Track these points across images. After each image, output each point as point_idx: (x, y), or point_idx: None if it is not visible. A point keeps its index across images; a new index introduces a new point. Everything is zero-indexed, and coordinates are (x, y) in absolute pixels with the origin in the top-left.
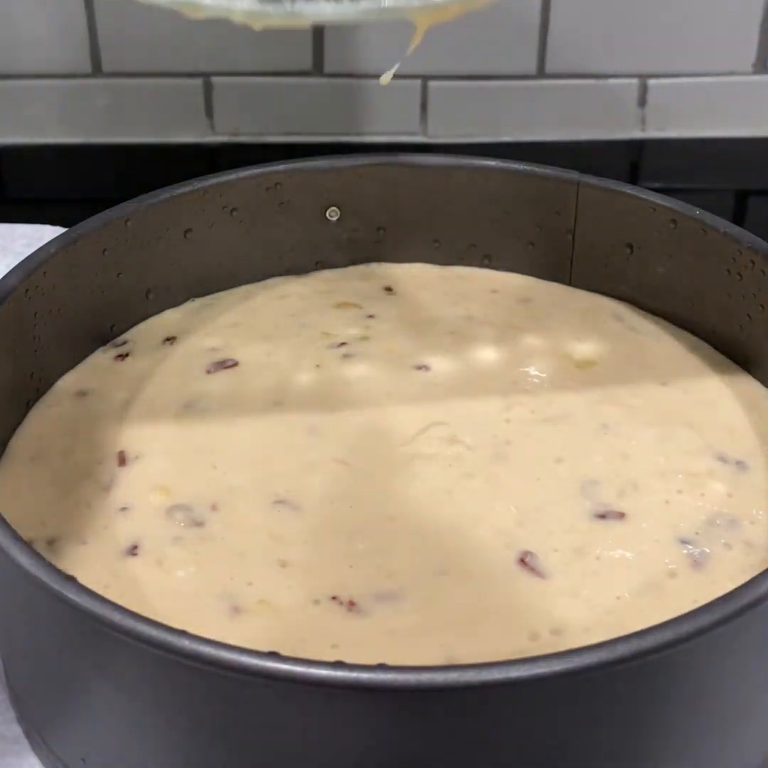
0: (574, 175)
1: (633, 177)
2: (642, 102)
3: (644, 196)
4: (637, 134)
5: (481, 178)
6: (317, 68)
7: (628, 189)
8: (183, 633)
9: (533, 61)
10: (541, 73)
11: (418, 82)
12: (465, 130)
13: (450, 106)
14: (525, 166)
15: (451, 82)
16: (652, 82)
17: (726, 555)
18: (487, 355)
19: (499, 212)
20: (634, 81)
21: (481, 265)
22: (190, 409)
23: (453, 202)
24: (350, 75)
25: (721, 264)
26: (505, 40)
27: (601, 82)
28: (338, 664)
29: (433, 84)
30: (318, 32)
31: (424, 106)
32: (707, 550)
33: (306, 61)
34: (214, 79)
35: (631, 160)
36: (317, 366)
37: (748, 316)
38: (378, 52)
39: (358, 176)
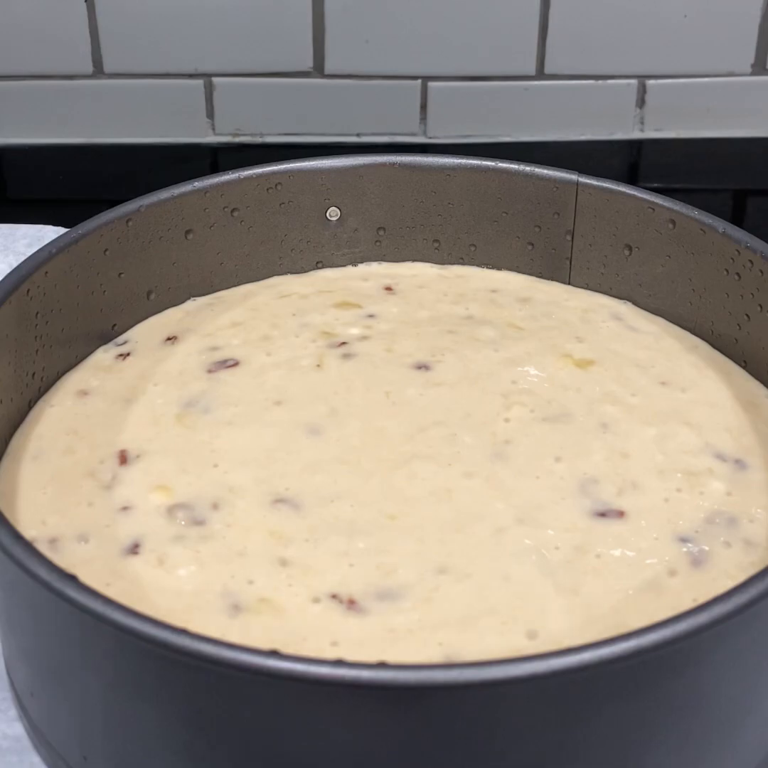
0: (574, 175)
1: (632, 177)
2: (641, 102)
3: (643, 196)
4: (635, 134)
5: (481, 179)
6: (318, 69)
7: (627, 189)
8: (184, 631)
9: (533, 61)
10: (540, 73)
11: (418, 82)
12: (465, 130)
13: (450, 107)
14: (524, 167)
15: (451, 83)
16: (650, 82)
17: (725, 553)
18: (487, 354)
19: (498, 212)
20: (633, 81)
21: (481, 265)
22: (191, 408)
23: (453, 202)
24: (351, 76)
25: (720, 264)
26: (505, 40)
27: (600, 82)
28: (339, 663)
29: (432, 84)
30: (319, 33)
31: (423, 107)
32: (706, 548)
33: (307, 62)
34: (215, 80)
35: (630, 160)
36: (318, 365)
37: (747, 315)
38: (379, 53)
39: (358, 176)
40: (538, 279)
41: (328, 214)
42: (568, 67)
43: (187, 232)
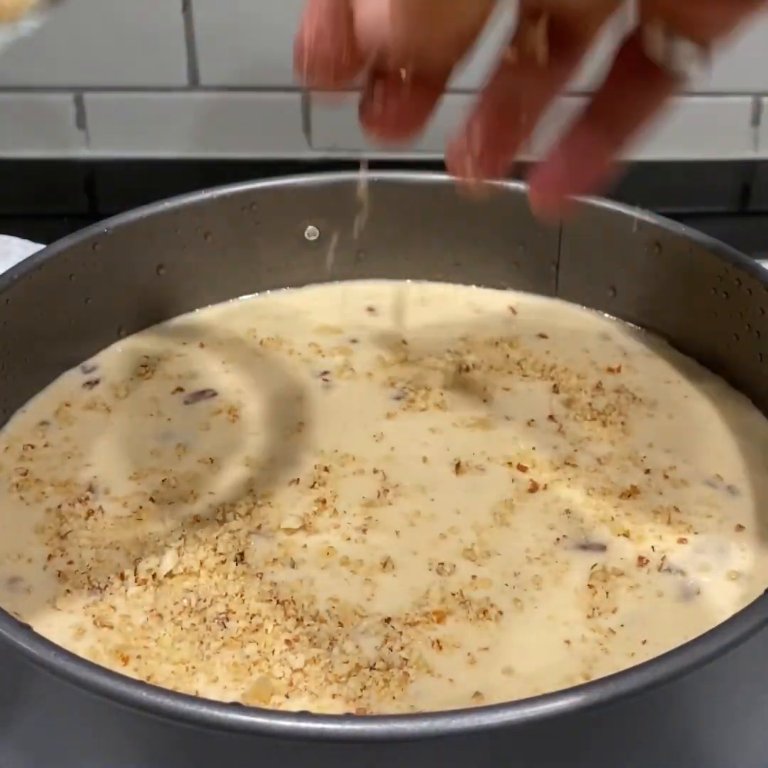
0: None
1: (744, 199)
2: (755, 121)
3: (629, 213)
4: (749, 154)
5: (465, 196)
6: None
7: (613, 206)
8: (140, 684)
9: None
10: None
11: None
12: None
13: (555, 123)
14: (507, 184)
15: None
16: (766, 100)
17: (715, 585)
18: (467, 379)
19: (482, 230)
20: (748, 99)
21: (465, 284)
22: (167, 442)
23: (436, 220)
24: (453, 90)
25: (708, 283)
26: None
27: (713, 99)
28: (303, 715)
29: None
30: None
31: None
32: (694, 581)
33: None
34: (313, 94)
35: (743, 181)
36: (299, 398)
37: (736, 335)
38: (482, 67)
39: (336, 194)
40: (523, 298)
41: (306, 234)
42: None
43: (158, 254)
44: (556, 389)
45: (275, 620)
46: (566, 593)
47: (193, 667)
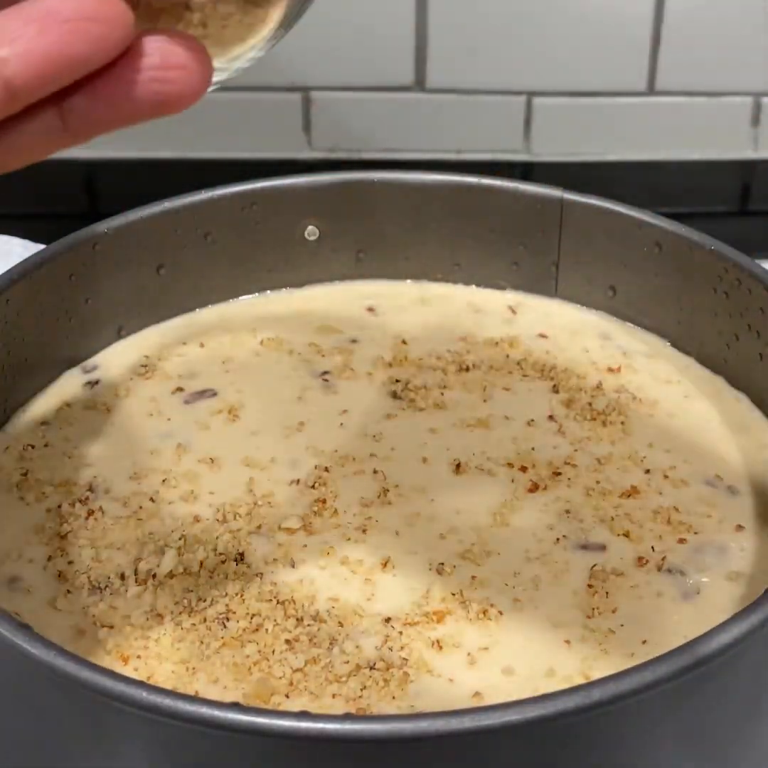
0: (558, 192)
1: (744, 199)
2: (755, 121)
3: (630, 213)
4: (748, 154)
5: (464, 196)
6: (419, 83)
7: (613, 206)
8: (140, 684)
9: (643, 77)
10: (650, 90)
11: (523, 98)
12: (570, 148)
13: (555, 124)
14: (507, 184)
15: (557, 99)
16: (766, 100)
17: (715, 585)
18: (467, 379)
19: (482, 231)
20: (748, 99)
21: (466, 284)
22: (166, 441)
23: (435, 220)
24: (453, 90)
25: (708, 282)
26: (614, 55)
27: (713, 100)
28: (303, 715)
29: (537, 100)
30: (421, 46)
31: (528, 123)
32: (694, 581)
33: (408, 76)
34: (313, 94)
35: (743, 181)
36: (299, 398)
37: (736, 336)
38: (482, 67)
39: (337, 194)
40: (523, 298)
41: (306, 234)
42: (680, 83)
43: (158, 254)
44: (556, 389)
45: (275, 620)
46: (566, 593)
47: (193, 667)
